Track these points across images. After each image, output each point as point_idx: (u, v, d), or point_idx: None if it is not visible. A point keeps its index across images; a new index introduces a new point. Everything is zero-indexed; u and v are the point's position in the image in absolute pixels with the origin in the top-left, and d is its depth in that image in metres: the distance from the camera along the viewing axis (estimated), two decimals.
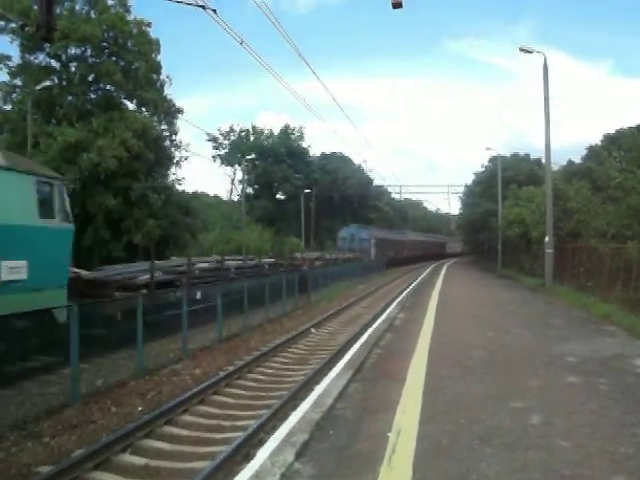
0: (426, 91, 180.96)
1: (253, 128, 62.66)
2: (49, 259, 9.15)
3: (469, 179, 55.80)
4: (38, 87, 23.04)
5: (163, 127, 28.98)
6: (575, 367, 7.44)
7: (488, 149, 58.20)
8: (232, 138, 61.21)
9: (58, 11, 21.76)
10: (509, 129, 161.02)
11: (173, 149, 29.79)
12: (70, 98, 25.35)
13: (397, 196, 78.64)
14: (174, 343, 11.11)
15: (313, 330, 13.98)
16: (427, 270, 40.67)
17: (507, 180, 36.42)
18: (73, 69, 25.88)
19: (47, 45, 22.32)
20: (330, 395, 6.02)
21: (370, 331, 10.92)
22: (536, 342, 9.59)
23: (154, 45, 27.04)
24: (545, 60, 20.93)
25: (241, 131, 61.95)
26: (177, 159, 30.07)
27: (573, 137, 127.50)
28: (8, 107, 25.42)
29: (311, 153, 63.94)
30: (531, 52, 21.03)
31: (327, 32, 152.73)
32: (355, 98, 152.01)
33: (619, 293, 13.94)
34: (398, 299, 18.22)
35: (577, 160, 34.52)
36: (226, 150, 60.45)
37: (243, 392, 8.44)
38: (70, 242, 10.26)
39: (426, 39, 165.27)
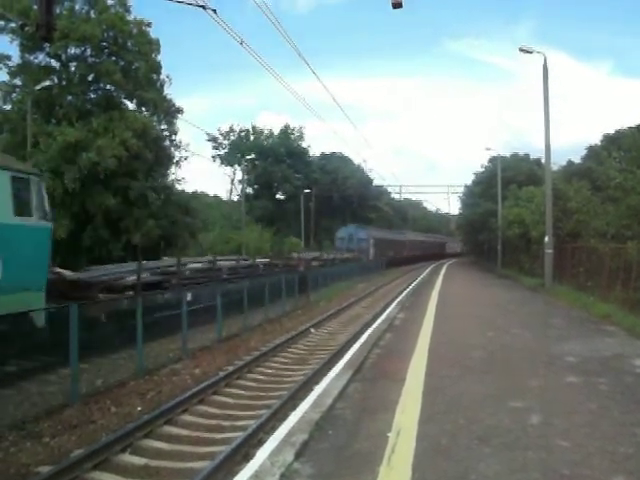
0: (426, 91, 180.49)
1: (253, 128, 62.79)
2: (26, 259, 8.66)
3: (469, 179, 55.88)
4: (38, 87, 23.05)
5: (163, 127, 29.08)
6: (575, 367, 7.44)
7: (488, 149, 58.05)
8: (232, 138, 61.27)
9: (58, 11, 21.77)
10: (509, 129, 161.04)
11: (173, 149, 29.91)
12: (70, 98, 25.39)
13: (397, 196, 78.87)
14: (174, 343, 11.11)
15: (313, 330, 13.98)
16: (427, 270, 40.67)
17: (507, 180, 36.45)
18: (73, 69, 25.92)
19: (47, 45, 22.33)
20: (330, 395, 6.02)
21: (370, 331, 10.92)
22: (536, 342, 9.59)
23: (154, 45, 27.08)
24: (545, 60, 20.99)
25: (241, 131, 62.06)
26: (177, 159, 30.21)
27: (573, 137, 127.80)
28: (8, 107, 25.51)
29: (311, 153, 64.09)
30: (531, 52, 21.05)
31: (327, 32, 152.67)
32: (355, 98, 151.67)
33: (619, 293, 13.97)
34: (398, 299, 18.22)
35: (577, 160, 34.47)
36: (226, 150, 60.49)
37: (243, 392, 8.43)
38: (49, 241, 9.86)
39: (426, 39, 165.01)
